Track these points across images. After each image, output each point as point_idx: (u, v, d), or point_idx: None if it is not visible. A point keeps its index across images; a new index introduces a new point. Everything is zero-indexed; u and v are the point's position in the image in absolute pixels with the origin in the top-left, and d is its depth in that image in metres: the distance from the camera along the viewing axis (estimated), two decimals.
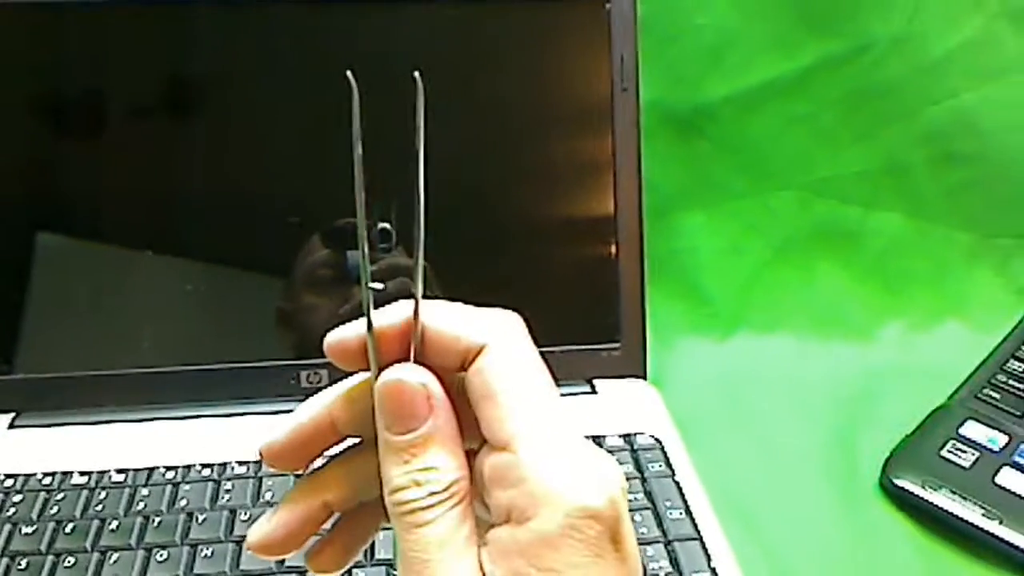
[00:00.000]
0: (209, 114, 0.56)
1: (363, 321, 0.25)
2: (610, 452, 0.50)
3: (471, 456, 0.25)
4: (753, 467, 0.54)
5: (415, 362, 0.25)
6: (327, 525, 0.27)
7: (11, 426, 0.53)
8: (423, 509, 0.23)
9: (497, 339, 0.25)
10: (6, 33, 0.54)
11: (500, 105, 0.58)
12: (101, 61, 0.55)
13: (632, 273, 0.57)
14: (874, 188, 0.68)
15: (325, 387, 0.54)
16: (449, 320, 0.25)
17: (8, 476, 0.48)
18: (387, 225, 0.55)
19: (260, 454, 0.27)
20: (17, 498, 0.47)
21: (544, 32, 0.58)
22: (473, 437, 0.25)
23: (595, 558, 0.22)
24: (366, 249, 0.25)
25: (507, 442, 0.23)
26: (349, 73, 0.24)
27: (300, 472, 0.27)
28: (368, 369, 0.26)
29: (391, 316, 0.25)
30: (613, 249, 0.57)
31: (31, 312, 0.55)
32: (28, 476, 0.48)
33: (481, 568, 0.23)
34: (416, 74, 0.24)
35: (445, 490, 0.24)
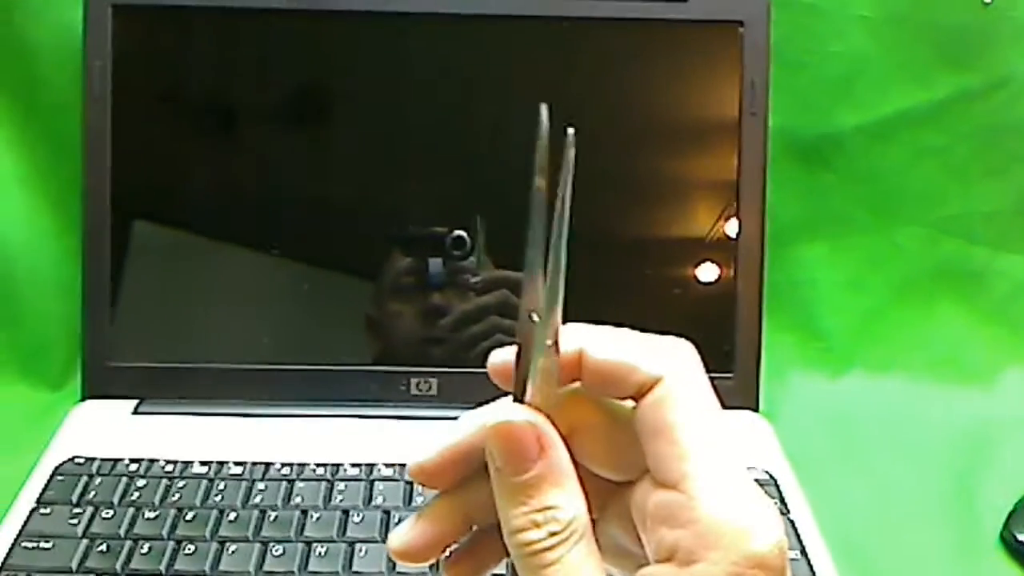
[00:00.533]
0: (331, 123, 0.58)
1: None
2: None
3: (624, 487, 0.25)
4: (868, 509, 0.52)
5: (522, 401, 0.25)
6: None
7: (135, 411, 0.55)
8: (545, 550, 0.23)
9: (674, 371, 0.24)
10: (152, 32, 0.56)
11: (626, 124, 0.58)
12: (232, 65, 0.58)
13: (750, 302, 0.56)
14: (1003, 229, 0.65)
15: (434, 396, 0.56)
16: (622, 350, 0.25)
17: (133, 460, 0.50)
18: (463, 233, 0.56)
19: (410, 473, 0.27)
20: (141, 483, 0.48)
21: (677, 53, 0.57)
22: (626, 467, 0.25)
23: None
24: (560, 288, 0.26)
25: (678, 480, 0.23)
26: (544, 108, 0.23)
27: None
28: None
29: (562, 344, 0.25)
30: (732, 276, 0.56)
31: (158, 303, 0.58)
32: (152, 462, 0.50)
33: None
34: (570, 131, 0.23)
35: (565, 528, 0.23)
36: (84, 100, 0.56)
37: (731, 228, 0.56)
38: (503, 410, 0.24)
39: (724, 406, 0.58)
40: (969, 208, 0.65)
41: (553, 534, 0.23)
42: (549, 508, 0.23)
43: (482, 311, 0.55)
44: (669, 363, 0.24)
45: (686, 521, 0.22)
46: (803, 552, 0.46)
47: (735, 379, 0.56)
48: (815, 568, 0.45)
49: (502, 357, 0.26)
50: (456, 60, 0.57)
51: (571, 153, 0.24)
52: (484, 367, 0.57)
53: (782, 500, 0.49)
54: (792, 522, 0.48)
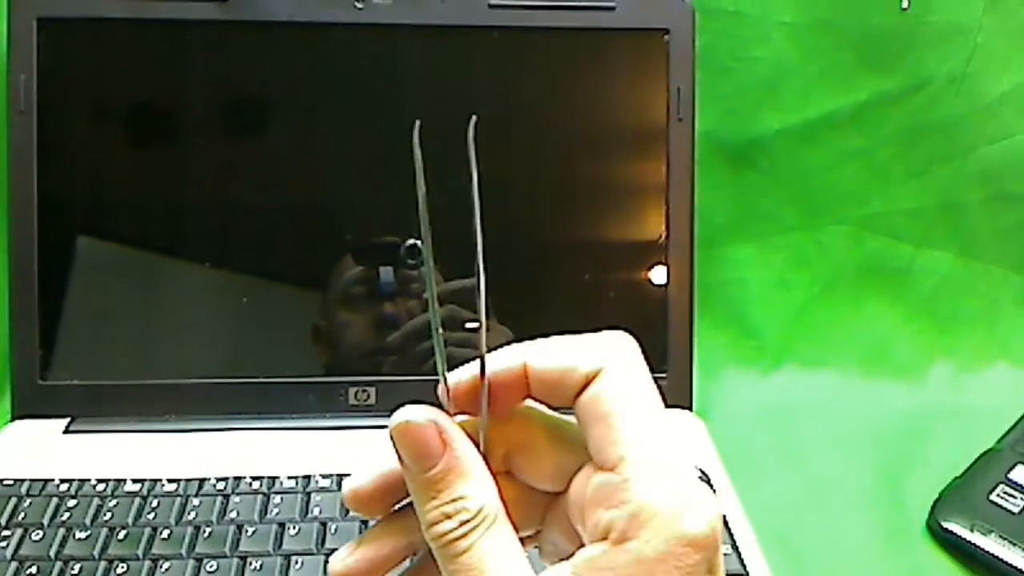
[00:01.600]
0: (268, 133, 0.58)
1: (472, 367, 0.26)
2: None
3: (564, 493, 0.26)
4: (798, 503, 0.54)
5: (447, 411, 0.25)
6: (406, 563, 0.27)
7: (66, 431, 0.54)
8: (459, 538, 0.24)
9: (611, 363, 0.25)
10: (77, 44, 0.56)
11: (556, 131, 0.58)
12: (158, 77, 0.57)
13: (681, 302, 0.57)
14: (926, 226, 0.68)
15: (372, 405, 0.56)
16: (559, 355, 0.25)
17: (63, 481, 0.49)
18: (418, 242, 0.56)
19: (344, 499, 0.27)
20: (71, 503, 0.47)
21: (603, 61, 0.58)
22: (568, 477, 0.26)
23: None
24: (435, 295, 0.26)
25: (615, 463, 0.23)
26: (417, 123, 0.25)
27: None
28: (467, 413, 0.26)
29: (503, 362, 0.26)
30: (663, 277, 0.57)
31: (86, 320, 0.57)
32: (83, 481, 0.49)
33: None
34: (472, 120, 0.24)
35: (475, 516, 0.24)
36: (8, 114, 0.55)
37: (661, 231, 0.57)
38: (404, 411, 0.25)
39: None
40: (892, 206, 0.67)
41: (464, 523, 0.24)
42: (458, 499, 0.24)
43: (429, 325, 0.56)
44: (606, 356, 0.25)
45: (620, 501, 0.23)
46: (734, 547, 0.47)
47: (669, 379, 0.57)
48: (746, 562, 0.46)
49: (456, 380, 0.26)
50: (390, 70, 0.58)
51: (472, 148, 0.25)
52: (423, 374, 0.57)
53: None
54: (723, 518, 0.48)
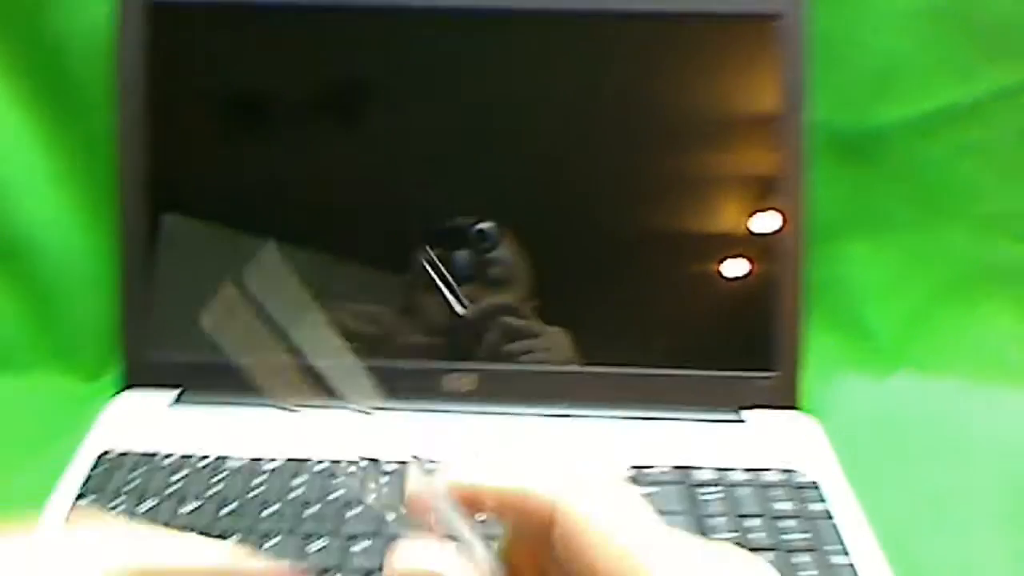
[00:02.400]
0: (365, 117, 0.57)
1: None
2: (766, 487, 0.49)
3: None
4: (916, 514, 0.50)
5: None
6: None
7: (174, 403, 0.55)
8: None
9: (563, 495, 0.24)
10: (186, 28, 0.56)
11: (661, 120, 0.57)
12: (265, 61, 0.57)
13: (791, 299, 0.55)
14: None
15: (471, 392, 0.55)
16: (509, 476, 0.25)
17: (172, 452, 0.50)
18: (487, 225, 0.56)
19: None
20: (181, 474, 0.48)
21: (712, 47, 0.57)
22: None
23: None
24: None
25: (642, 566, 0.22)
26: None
27: None
28: None
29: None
30: (773, 273, 0.55)
31: (196, 297, 0.57)
32: (190, 455, 0.50)
33: None
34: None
35: None
36: (118, 97, 0.56)
37: (772, 225, 0.55)
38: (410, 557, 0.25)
39: (763, 405, 0.58)
40: (1014, 205, 0.64)
41: None
42: None
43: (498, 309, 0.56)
44: (557, 484, 0.24)
45: None
46: (852, 559, 0.44)
47: (775, 378, 0.55)
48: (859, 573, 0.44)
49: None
50: (489, 56, 0.57)
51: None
52: (517, 362, 0.55)
53: (829, 504, 0.48)
54: (837, 528, 0.46)
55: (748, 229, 0.56)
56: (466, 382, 0.56)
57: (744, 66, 0.57)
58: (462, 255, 0.56)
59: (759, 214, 0.56)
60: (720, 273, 0.56)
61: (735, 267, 0.56)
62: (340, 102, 0.57)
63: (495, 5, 0.55)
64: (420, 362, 0.56)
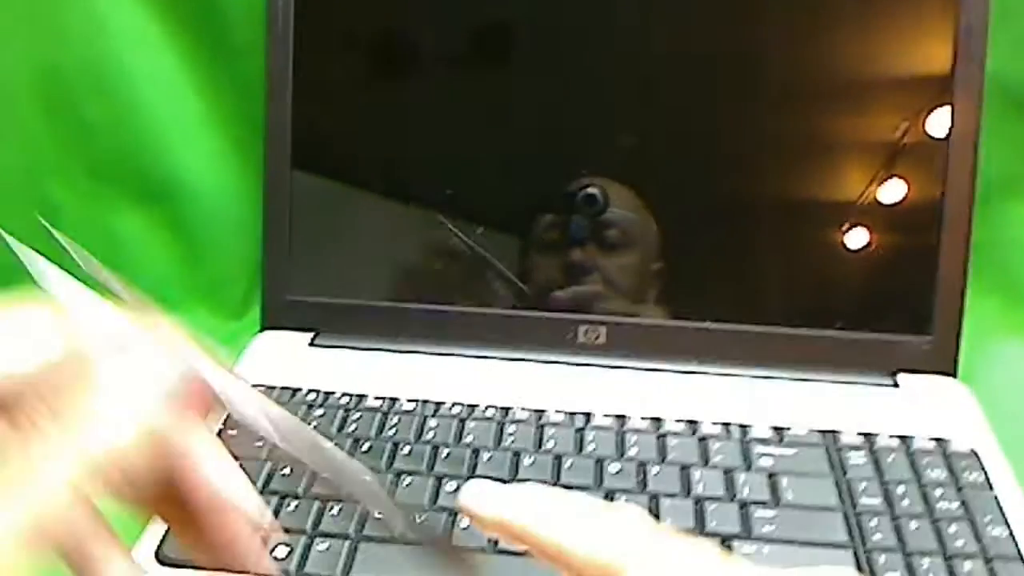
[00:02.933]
0: (503, 68, 0.57)
1: None
2: (919, 454, 0.46)
3: None
4: None
5: None
6: None
7: (311, 343, 0.56)
8: None
9: (635, 561, 0.22)
10: None
11: (830, 69, 0.54)
12: (414, 6, 0.57)
13: (954, 260, 0.51)
14: None
15: (602, 345, 0.54)
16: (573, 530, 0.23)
17: (311, 391, 0.51)
18: (594, 190, 0.54)
19: None
20: (319, 412, 0.50)
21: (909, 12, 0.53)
22: None
23: None
24: None
25: None
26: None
27: None
28: None
29: None
30: (936, 232, 0.52)
31: (333, 242, 0.58)
32: (329, 393, 0.51)
33: None
34: None
35: None
36: (266, 41, 0.56)
37: (938, 182, 0.52)
38: None
39: (918, 370, 0.54)
40: None
41: None
42: None
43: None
44: (627, 547, 0.22)
45: None
46: (1010, 530, 0.42)
47: (933, 342, 0.52)
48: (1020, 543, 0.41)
49: None
50: (628, 8, 0.55)
51: None
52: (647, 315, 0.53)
53: (985, 474, 0.45)
54: (997, 499, 0.43)
55: (912, 188, 0.53)
56: (597, 335, 0.55)
57: (918, 15, 0.53)
58: (577, 219, 0.55)
59: (925, 172, 0.52)
60: (878, 233, 0.53)
61: (896, 229, 0.53)
62: (481, 52, 0.57)
63: None
64: (550, 314, 0.55)
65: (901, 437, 0.47)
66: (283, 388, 0.51)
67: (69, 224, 0.64)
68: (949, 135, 0.52)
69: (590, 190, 0.54)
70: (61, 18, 0.60)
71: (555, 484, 0.44)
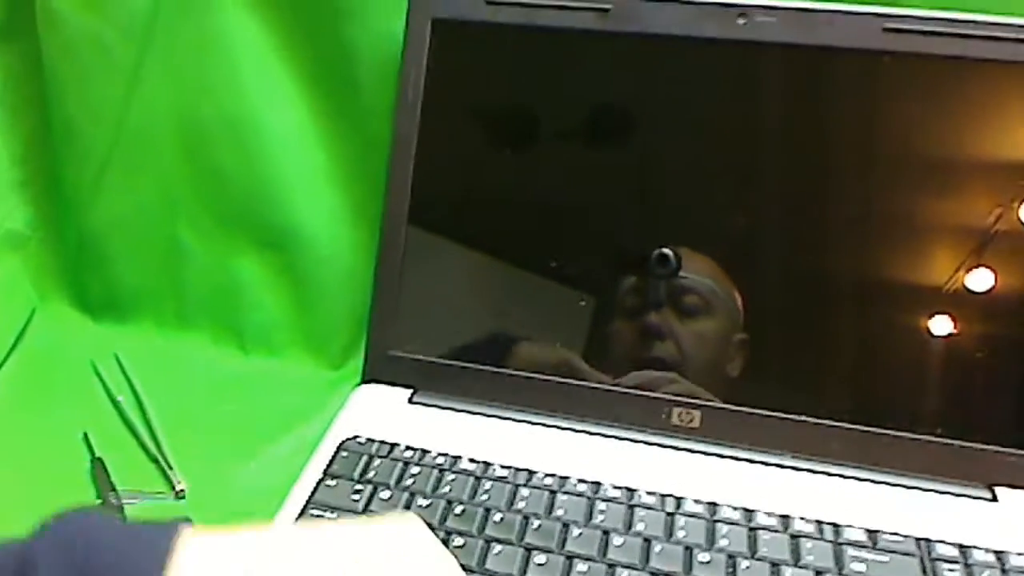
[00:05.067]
0: (615, 146, 0.58)
1: None
2: (1014, 573, 0.45)
3: None
4: None
5: None
6: None
7: (410, 400, 0.58)
8: None
9: None
10: (466, 46, 0.59)
11: (937, 169, 0.54)
12: (548, 82, 0.59)
13: None
14: None
15: (695, 428, 0.54)
16: None
17: (409, 447, 0.53)
18: (667, 250, 0.55)
19: None
20: (415, 470, 0.51)
21: (998, 96, 0.52)
22: None
23: None
24: None
25: None
26: None
27: None
28: None
29: None
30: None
31: (438, 303, 0.61)
32: (425, 451, 0.52)
33: None
34: None
35: None
36: (397, 107, 0.60)
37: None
38: None
39: (1020, 485, 0.53)
40: None
41: None
42: None
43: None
44: None
45: None
46: None
47: None
48: None
49: None
50: (760, 89, 0.56)
51: None
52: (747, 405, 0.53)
53: None
54: None
55: (1012, 287, 0.52)
56: (691, 418, 0.55)
57: (1015, 102, 0.53)
58: (654, 282, 0.56)
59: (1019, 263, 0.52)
60: (975, 332, 0.53)
61: (991, 327, 0.52)
62: (593, 128, 0.59)
63: (779, 39, 0.54)
64: (645, 392, 0.56)
65: (997, 553, 0.46)
66: (381, 442, 0.53)
67: (193, 264, 0.68)
68: None
69: (663, 250, 0.55)
70: (204, 71, 0.65)
71: (645, 568, 0.45)
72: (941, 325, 0.53)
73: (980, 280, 0.53)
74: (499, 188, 0.60)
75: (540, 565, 0.45)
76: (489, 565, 0.45)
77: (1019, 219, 0.52)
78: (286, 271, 0.67)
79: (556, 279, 0.59)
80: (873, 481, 0.52)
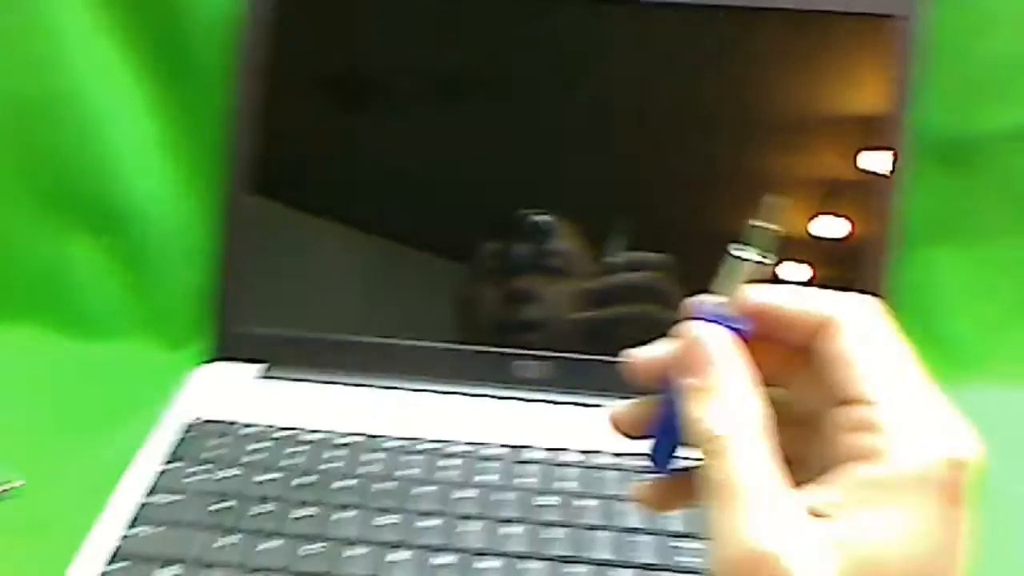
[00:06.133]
0: (461, 106, 0.59)
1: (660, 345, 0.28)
2: None
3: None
4: (991, 521, 0.49)
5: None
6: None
7: (259, 376, 0.57)
8: (720, 436, 0.25)
9: (848, 313, 0.26)
10: (307, 6, 0.58)
11: (766, 115, 0.56)
12: (386, 43, 0.59)
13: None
14: None
15: (541, 379, 0.56)
16: (796, 299, 0.27)
17: (249, 424, 0.53)
18: (542, 217, 0.56)
19: (611, 419, 0.30)
20: (259, 445, 0.51)
21: (824, 45, 0.56)
22: (819, 399, 0.26)
23: (941, 504, 0.23)
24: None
25: (866, 397, 0.24)
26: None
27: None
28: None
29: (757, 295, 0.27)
30: (857, 274, 0.55)
31: (283, 275, 0.60)
32: (270, 427, 0.52)
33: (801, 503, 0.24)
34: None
35: (743, 425, 0.25)
36: (236, 72, 0.58)
37: (864, 224, 0.55)
38: (694, 326, 0.27)
39: None
40: None
41: (735, 426, 0.25)
42: (725, 406, 0.25)
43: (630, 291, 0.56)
44: (842, 307, 0.26)
45: (874, 427, 0.24)
46: None
47: None
48: None
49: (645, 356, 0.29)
50: (591, 45, 0.57)
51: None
52: (594, 353, 0.56)
53: None
54: None
55: (836, 229, 0.55)
56: (536, 369, 0.57)
57: (855, 66, 0.56)
58: (520, 246, 0.57)
59: (854, 213, 0.55)
60: (804, 274, 0.56)
61: (820, 270, 0.56)
62: (442, 90, 0.59)
63: None
64: (490, 347, 0.57)
65: None
66: (224, 421, 0.53)
67: (20, 248, 0.64)
68: (877, 180, 0.55)
69: (538, 218, 0.56)
70: (28, 48, 0.61)
71: (487, 517, 0.47)
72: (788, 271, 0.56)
73: (822, 228, 0.56)
74: (348, 154, 0.60)
75: (381, 527, 0.46)
76: (337, 531, 0.45)
77: (856, 173, 0.55)
78: (122, 251, 0.64)
79: (411, 245, 0.59)
80: None
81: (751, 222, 0.27)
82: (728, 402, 0.25)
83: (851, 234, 0.55)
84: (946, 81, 0.58)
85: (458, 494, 0.48)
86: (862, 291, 0.26)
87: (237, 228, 0.59)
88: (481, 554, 0.45)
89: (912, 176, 0.54)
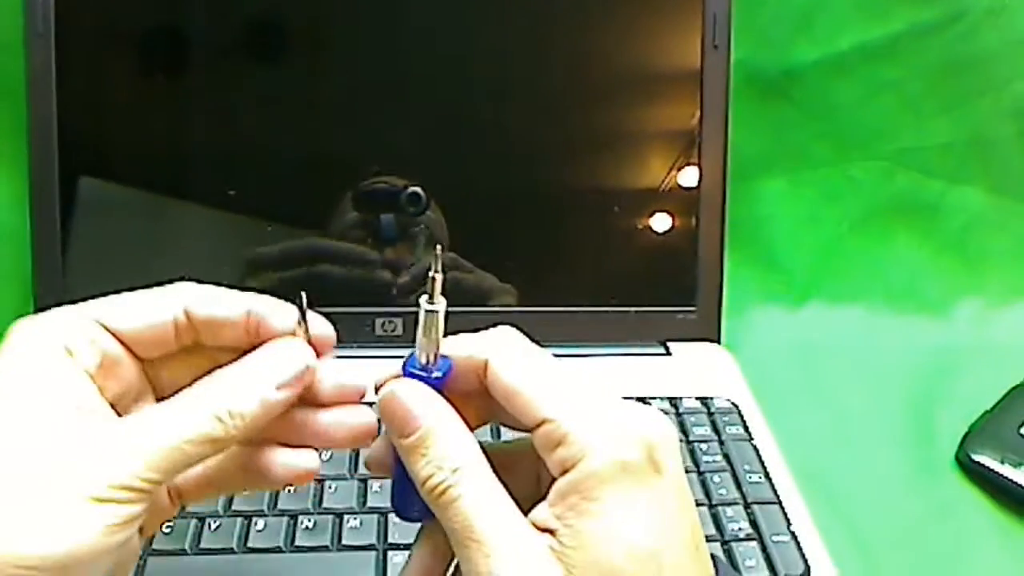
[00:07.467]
0: (284, 64, 0.56)
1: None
2: (687, 414, 0.50)
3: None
4: (827, 436, 0.54)
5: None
6: None
7: None
8: (450, 487, 0.26)
9: (492, 349, 0.28)
10: None
11: (584, 60, 0.57)
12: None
13: (712, 237, 0.57)
14: (958, 161, 0.66)
15: (399, 336, 0.55)
16: (458, 346, 0.28)
17: None
18: (418, 189, 0.56)
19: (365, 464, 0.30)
20: None
21: None
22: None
23: (644, 482, 0.25)
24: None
25: (545, 416, 0.26)
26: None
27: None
28: None
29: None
30: (694, 212, 0.57)
31: (108, 252, 0.56)
32: None
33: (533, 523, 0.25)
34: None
35: (463, 465, 0.26)
36: (26, 37, 0.53)
37: (693, 164, 0.56)
38: (389, 385, 0.28)
39: (687, 339, 0.59)
40: (924, 141, 0.66)
41: (455, 471, 0.26)
42: (445, 455, 0.26)
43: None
44: (485, 344, 0.28)
45: (560, 439, 0.26)
46: (766, 476, 0.47)
47: (697, 313, 0.57)
48: (779, 491, 0.46)
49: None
50: (424, 8, 0.56)
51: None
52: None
53: (745, 427, 0.50)
54: (755, 448, 0.49)
55: (671, 170, 0.57)
56: (394, 327, 0.56)
57: (669, 5, 0.57)
58: (388, 217, 0.56)
59: (682, 154, 0.57)
60: (644, 215, 0.57)
61: (658, 209, 0.57)
62: (262, 45, 0.56)
63: None
64: (352, 307, 0.56)
65: (671, 399, 0.51)
66: None
67: None
68: (701, 119, 0.56)
69: (414, 189, 0.55)
70: None
71: (353, 477, 0.45)
72: (618, 216, 0.57)
73: (651, 178, 0.57)
74: (156, 119, 0.56)
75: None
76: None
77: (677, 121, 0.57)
78: None
79: (239, 210, 0.56)
80: (569, 356, 0.55)
81: (431, 274, 0.28)
82: (442, 450, 0.26)
83: (684, 175, 0.57)
84: (757, 18, 0.61)
85: (324, 456, 0.46)
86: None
87: (48, 205, 0.54)
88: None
89: (736, 112, 0.56)
